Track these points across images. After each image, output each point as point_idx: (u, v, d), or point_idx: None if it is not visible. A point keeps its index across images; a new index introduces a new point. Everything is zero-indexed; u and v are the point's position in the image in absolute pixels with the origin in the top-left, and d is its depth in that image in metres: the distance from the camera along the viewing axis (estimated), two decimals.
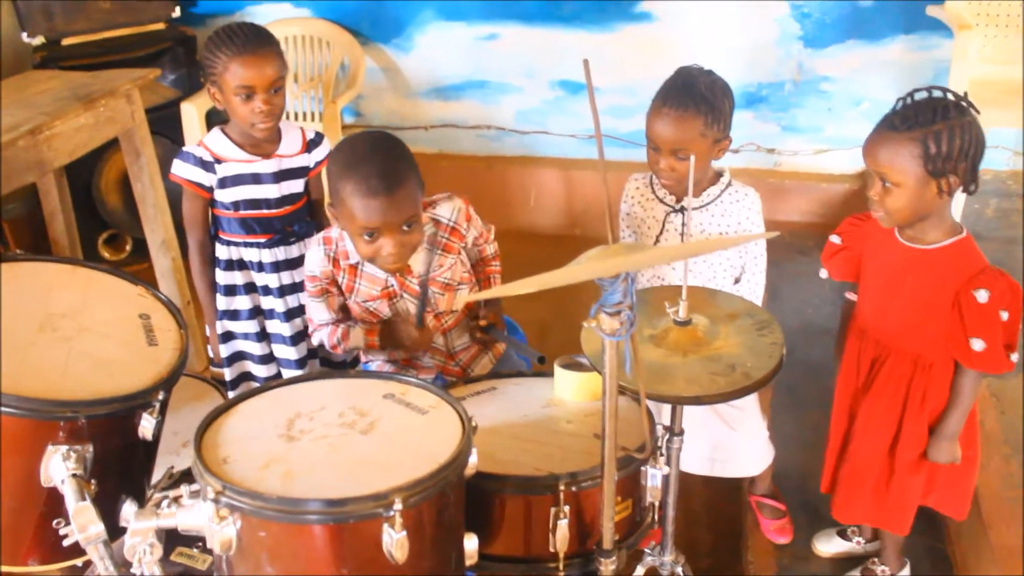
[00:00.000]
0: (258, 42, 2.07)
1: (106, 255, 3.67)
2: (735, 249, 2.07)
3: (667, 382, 1.56)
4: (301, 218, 2.29)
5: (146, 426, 1.48)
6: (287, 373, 2.33)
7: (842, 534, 2.27)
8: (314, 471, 1.28)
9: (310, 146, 2.26)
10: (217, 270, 2.28)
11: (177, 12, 3.68)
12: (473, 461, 1.40)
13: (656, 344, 1.65)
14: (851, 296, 2.08)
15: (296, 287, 2.29)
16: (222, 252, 2.26)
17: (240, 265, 2.27)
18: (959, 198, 1.91)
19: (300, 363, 2.33)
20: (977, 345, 1.77)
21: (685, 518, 2.47)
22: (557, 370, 1.80)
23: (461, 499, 1.39)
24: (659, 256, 1.33)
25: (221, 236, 2.25)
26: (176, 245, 2.95)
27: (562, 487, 1.49)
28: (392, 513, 1.20)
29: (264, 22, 3.87)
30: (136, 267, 3.51)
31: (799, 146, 3.79)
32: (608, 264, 1.18)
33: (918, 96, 1.76)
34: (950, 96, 1.73)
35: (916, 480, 1.96)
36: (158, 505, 1.35)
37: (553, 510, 1.50)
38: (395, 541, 1.21)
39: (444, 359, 2.05)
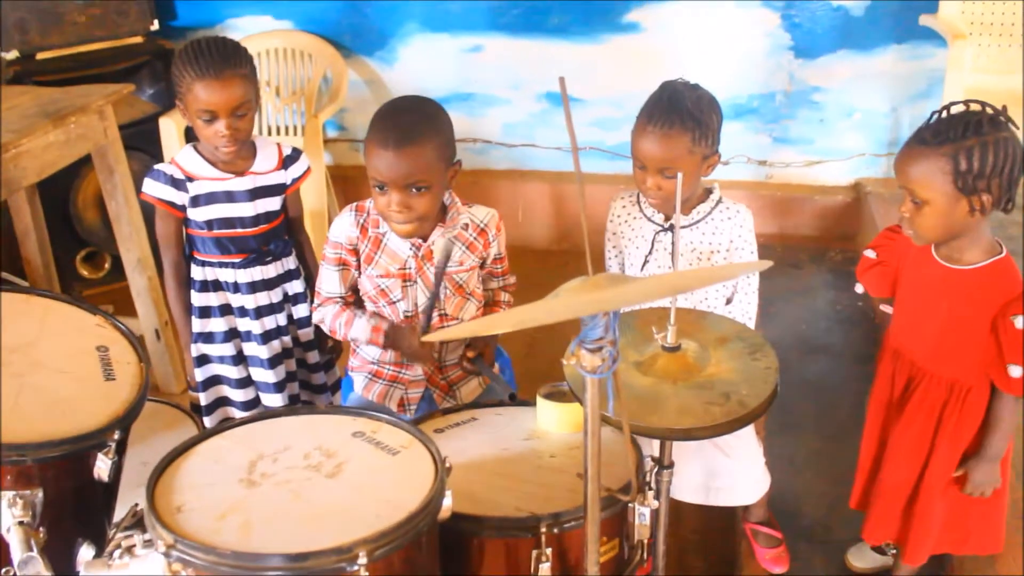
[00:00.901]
0: (223, 64, 1.98)
1: (84, 273, 3.58)
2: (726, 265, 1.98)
3: (658, 412, 1.48)
4: (278, 237, 2.20)
5: (101, 467, 1.40)
6: (265, 397, 2.25)
7: (877, 547, 2.18)
8: (274, 521, 1.19)
9: (286, 162, 2.18)
10: (192, 292, 2.19)
11: (156, 25, 3.60)
12: (447, 504, 1.32)
13: (643, 371, 1.57)
14: (886, 308, 2.01)
15: (274, 308, 2.21)
16: (197, 273, 2.18)
17: (215, 286, 2.18)
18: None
19: (278, 386, 2.24)
20: (1016, 372, 1.70)
21: (678, 546, 2.39)
22: (540, 400, 1.72)
23: (435, 544, 1.31)
24: (644, 292, 1.25)
25: (196, 256, 2.17)
26: (152, 264, 2.86)
27: (543, 529, 1.41)
28: (356, 568, 1.12)
29: (245, 35, 3.83)
30: (115, 285, 3.43)
31: (791, 158, 3.72)
32: (587, 301, 1.10)
33: (954, 110, 1.69)
34: (988, 110, 1.66)
35: (939, 509, 1.90)
36: (111, 555, 1.26)
37: (535, 553, 1.42)
38: None
39: (434, 369, 2.01)
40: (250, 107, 2.04)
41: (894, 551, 2.15)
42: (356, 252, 1.95)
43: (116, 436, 1.40)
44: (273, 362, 2.22)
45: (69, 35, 3.45)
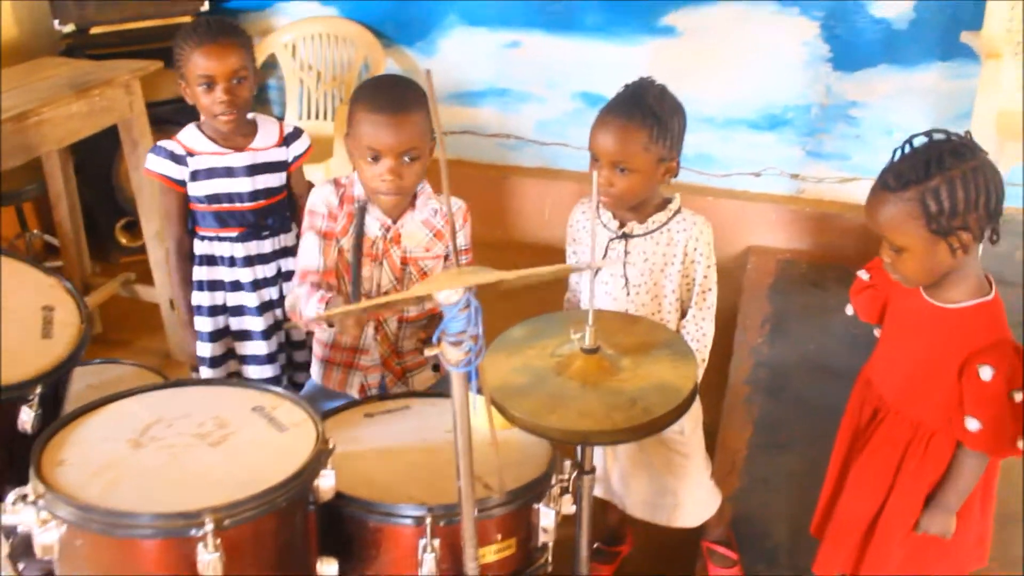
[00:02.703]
0: (220, 33, 2.08)
1: (123, 241, 3.76)
2: (682, 279, 1.94)
3: (558, 413, 1.48)
4: (277, 213, 2.26)
5: (25, 418, 1.47)
6: (255, 369, 2.29)
7: None
8: (142, 481, 1.25)
9: (287, 140, 2.25)
10: (195, 266, 2.27)
11: (206, 6, 3.73)
12: (328, 485, 1.35)
13: (558, 371, 1.56)
14: (878, 334, 1.92)
15: (270, 281, 2.27)
16: (198, 247, 2.25)
17: (211, 260, 2.25)
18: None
19: (270, 357, 2.30)
20: (972, 425, 1.60)
21: (633, 562, 2.37)
22: (472, 395, 1.73)
23: (308, 522, 1.34)
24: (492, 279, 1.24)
25: (197, 231, 2.25)
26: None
27: (428, 520, 1.43)
28: (203, 533, 1.15)
29: (291, 20, 3.94)
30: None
31: (824, 173, 3.61)
32: (431, 285, 1.12)
33: (916, 142, 1.58)
34: (953, 139, 1.56)
35: (896, 550, 1.81)
36: (10, 502, 1.33)
37: (421, 542, 1.44)
38: (208, 562, 1.16)
39: (389, 352, 2.03)
40: (247, 75, 2.12)
41: None
42: (335, 219, 1.96)
43: (38, 390, 1.47)
44: (267, 334, 2.29)
45: (123, 11, 3.61)
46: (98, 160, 3.57)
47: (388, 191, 1.86)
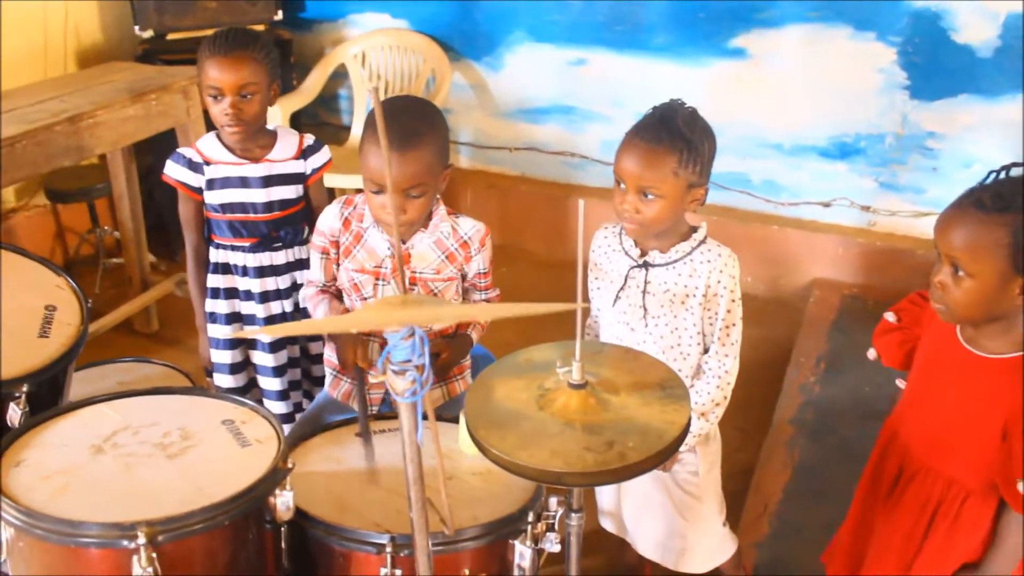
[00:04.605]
0: (233, 45, 2.07)
1: None
2: (704, 312, 1.85)
3: (530, 450, 1.41)
4: (291, 224, 2.26)
5: (12, 415, 1.50)
6: (264, 380, 2.32)
7: None
8: (91, 489, 1.24)
9: (305, 152, 2.24)
10: (211, 274, 2.29)
11: (279, 15, 3.81)
12: (286, 505, 1.33)
13: (541, 406, 1.49)
14: (901, 384, 1.80)
15: (280, 294, 2.28)
16: (213, 255, 2.27)
17: (225, 269, 2.27)
18: None
19: (277, 371, 2.31)
20: None
21: None
22: (461, 420, 1.68)
23: (263, 540, 1.31)
24: (433, 315, 1.19)
25: (212, 239, 2.27)
26: None
27: (389, 548, 1.39)
28: (135, 545, 1.14)
29: (363, 31, 3.99)
30: None
31: (897, 206, 3.43)
32: (369, 317, 1.07)
33: (1015, 172, 1.46)
34: None
35: None
36: None
37: (383, 572, 1.40)
38: None
39: None
40: (257, 90, 2.10)
41: None
42: (337, 244, 1.97)
43: (24, 388, 1.49)
44: (274, 347, 2.29)
45: (200, 18, 3.71)
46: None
47: (391, 224, 1.81)
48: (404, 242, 1.91)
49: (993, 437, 1.50)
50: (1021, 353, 1.48)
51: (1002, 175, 1.46)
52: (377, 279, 1.94)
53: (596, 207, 3.78)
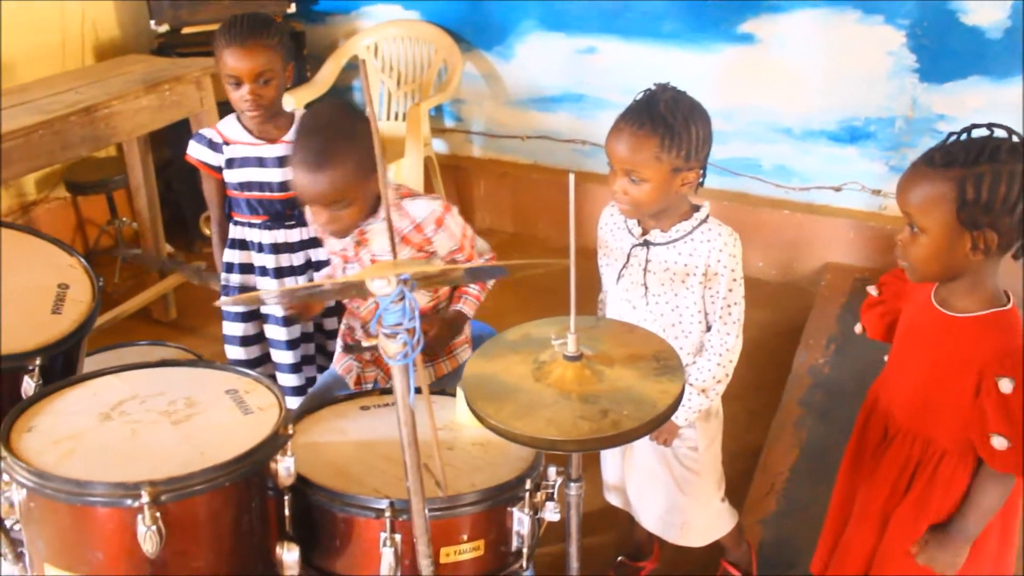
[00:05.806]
0: (250, 34, 2.13)
1: (206, 231, 3.91)
2: (705, 291, 1.86)
3: (526, 420, 1.44)
4: None
5: (27, 387, 1.55)
6: (276, 353, 2.37)
7: None
8: (97, 453, 1.29)
9: None
10: (228, 249, 2.36)
11: (293, 8, 3.86)
12: (288, 469, 1.37)
13: (537, 378, 1.52)
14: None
15: (295, 270, 2.33)
16: (232, 231, 2.34)
17: (242, 245, 2.34)
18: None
19: (290, 344, 2.36)
20: (998, 443, 1.48)
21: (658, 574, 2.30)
22: (459, 392, 1.71)
23: (266, 506, 1.35)
24: (419, 270, 1.21)
25: (232, 216, 2.34)
26: None
27: (388, 513, 1.42)
28: (139, 504, 1.18)
29: (375, 22, 4.03)
30: None
31: None
32: (363, 274, 1.11)
33: (976, 133, 1.49)
34: (1015, 138, 1.45)
35: None
36: None
37: (382, 536, 1.43)
38: (145, 534, 1.19)
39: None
40: (274, 75, 2.17)
41: None
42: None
43: (38, 361, 1.54)
44: (288, 320, 2.34)
45: (214, 13, 3.77)
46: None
47: (332, 235, 1.90)
48: (347, 235, 1.92)
49: (967, 394, 1.52)
50: (992, 310, 1.51)
51: (963, 137, 1.48)
52: (345, 262, 1.99)
53: (607, 193, 3.84)
